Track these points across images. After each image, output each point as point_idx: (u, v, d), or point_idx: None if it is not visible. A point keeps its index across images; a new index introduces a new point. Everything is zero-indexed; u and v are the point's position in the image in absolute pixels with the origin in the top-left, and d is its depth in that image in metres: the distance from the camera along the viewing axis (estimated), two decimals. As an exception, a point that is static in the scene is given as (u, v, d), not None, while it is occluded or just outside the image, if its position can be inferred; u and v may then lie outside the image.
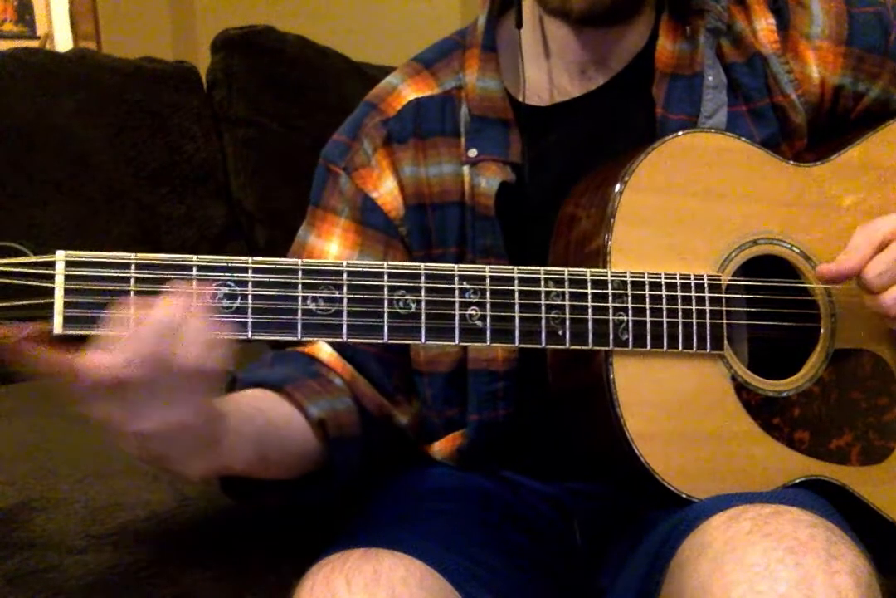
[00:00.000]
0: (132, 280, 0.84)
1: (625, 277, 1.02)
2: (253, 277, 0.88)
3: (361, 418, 1.13)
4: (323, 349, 1.16)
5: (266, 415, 1.02)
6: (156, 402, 0.83)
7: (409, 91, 1.21)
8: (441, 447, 1.22)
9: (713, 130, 1.12)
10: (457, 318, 0.94)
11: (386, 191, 1.18)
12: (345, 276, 0.90)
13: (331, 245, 1.19)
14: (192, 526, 1.23)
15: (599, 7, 1.11)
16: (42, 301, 0.82)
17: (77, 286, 0.83)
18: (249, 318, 0.89)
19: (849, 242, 1.09)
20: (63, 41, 3.32)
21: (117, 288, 0.83)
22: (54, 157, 1.89)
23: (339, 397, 1.11)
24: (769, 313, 1.11)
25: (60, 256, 0.83)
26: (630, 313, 1.02)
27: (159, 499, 1.27)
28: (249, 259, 0.88)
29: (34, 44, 3.24)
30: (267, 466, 1.01)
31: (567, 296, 0.99)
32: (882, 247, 1.07)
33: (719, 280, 1.06)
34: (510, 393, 1.16)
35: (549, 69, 1.20)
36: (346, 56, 2.27)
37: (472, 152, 1.16)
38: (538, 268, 0.99)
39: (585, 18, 1.13)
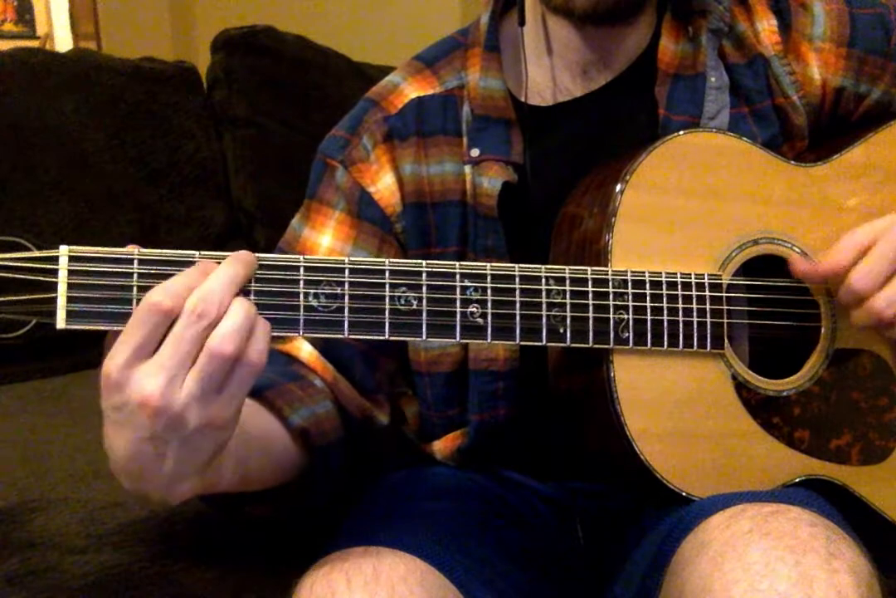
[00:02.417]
0: (135, 275, 0.84)
1: (625, 275, 1.02)
2: (255, 273, 0.87)
3: (342, 421, 1.11)
4: (303, 348, 1.14)
5: (247, 427, 0.97)
6: (223, 392, 0.83)
7: (411, 90, 1.21)
8: (441, 447, 1.22)
9: (714, 130, 1.11)
10: (458, 315, 0.94)
11: (384, 186, 1.18)
12: (346, 272, 0.90)
13: (323, 237, 1.19)
14: (192, 526, 1.23)
15: (603, 6, 1.11)
16: (45, 296, 0.82)
17: (80, 281, 0.82)
18: None
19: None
20: (63, 41, 3.32)
21: (120, 283, 0.83)
22: (54, 157, 1.89)
23: (319, 402, 1.09)
24: (770, 312, 1.11)
25: (64, 251, 0.82)
26: (631, 311, 1.02)
27: (159, 499, 1.26)
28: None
29: (34, 44, 3.24)
30: (248, 480, 0.98)
31: (568, 294, 0.99)
32: (865, 251, 1.06)
33: (720, 279, 1.06)
34: (511, 393, 1.16)
35: (552, 69, 1.20)
36: (346, 56, 2.27)
37: (475, 152, 1.15)
38: (539, 266, 0.99)
39: (588, 17, 1.13)
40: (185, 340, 0.80)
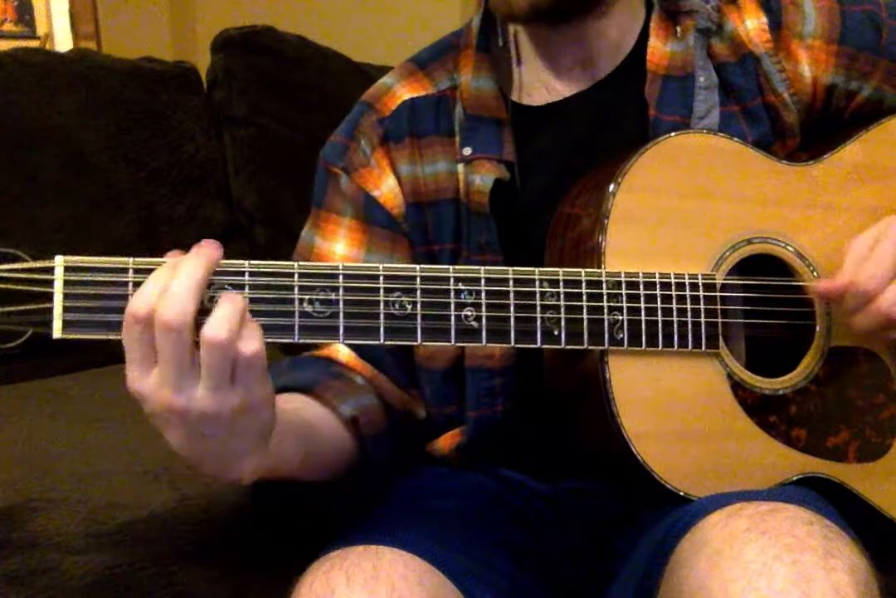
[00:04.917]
0: (130, 285, 0.84)
1: (619, 277, 1.02)
2: (249, 280, 0.88)
3: (386, 414, 1.14)
4: (340, 351, 1.17)
5: (302, 415, 1.03)
6: (237, 383, 0.84)
7: (404, 91, 1.22)
8: (441, 445, 1.22)
9: (706, 131, 1.12)
10: (452, 319, 0.95)
11: (387, 189, 1.19)
12: (340, 278, 0.91)
13: (337, 245, 1.20)
14: (192, 526, 1.23)
15: (540, 5, 1.10)
16: (41, 306, 0.83)
17: (76, 291, 0.83)
18: None
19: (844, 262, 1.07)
20: (63, 41, 3.30)
21: (116, 292, 0.84)
22: (54, 157, 1.89)
23: (364, 395, 1.12)
24: (764, 311, 1.11)
25: (59, 261, 0.83)
26: (625, 312, 1.02)
27: (159, 499, 1.27)
28: (246, 262, 0.88)
29: (34, 44, 3.23)
30: (307, 467, 1.02)
31: (562, 296, 0.99)
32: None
33: (714, 279, 1.07)
34: (508, 390, 1.16)
35: (540, 70, 1.20)
36: (346, 56, 2.27)
37: (467, 151, 1.16)
38: (533, 268, 0.99)
39: (530, 19, 1.13)
40: (168, 348, 0.82)
